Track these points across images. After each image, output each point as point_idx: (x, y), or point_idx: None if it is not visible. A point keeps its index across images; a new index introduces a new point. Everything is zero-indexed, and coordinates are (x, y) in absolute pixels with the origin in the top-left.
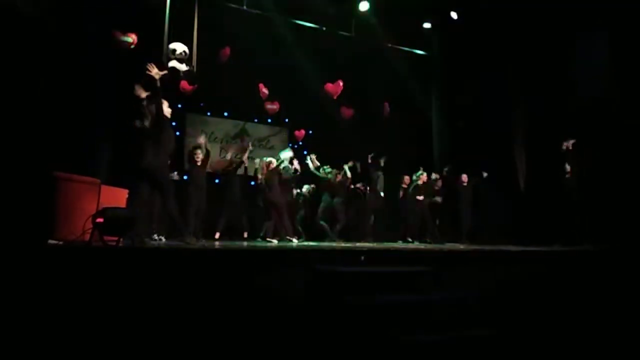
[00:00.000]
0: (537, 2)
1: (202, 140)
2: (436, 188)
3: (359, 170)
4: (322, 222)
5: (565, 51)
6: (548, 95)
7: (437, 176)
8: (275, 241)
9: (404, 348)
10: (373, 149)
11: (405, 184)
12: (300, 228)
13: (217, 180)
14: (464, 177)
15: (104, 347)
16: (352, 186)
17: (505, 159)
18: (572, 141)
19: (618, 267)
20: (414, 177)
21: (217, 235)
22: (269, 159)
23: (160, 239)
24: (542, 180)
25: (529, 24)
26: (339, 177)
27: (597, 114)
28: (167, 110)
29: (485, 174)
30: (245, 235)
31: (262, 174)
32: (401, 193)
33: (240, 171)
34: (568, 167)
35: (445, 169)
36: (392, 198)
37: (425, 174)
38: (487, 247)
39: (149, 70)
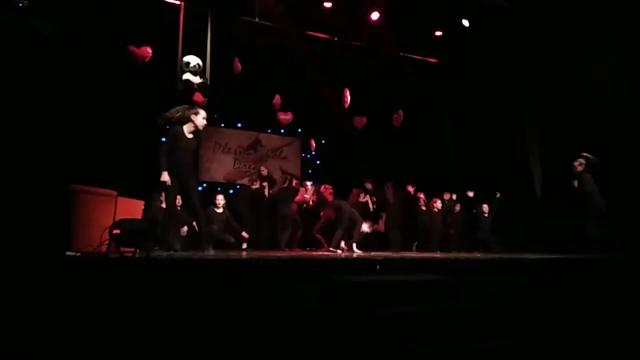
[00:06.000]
0: (549, 9)
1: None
2: (454, 212)
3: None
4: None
5: (579, 58)
6: (561, 102)
7: (454, 198)
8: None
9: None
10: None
11: (436, 208)
12: None
13: (231, 191)
14: (485, 208)
15: (121, 358)
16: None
17: (521, 167)
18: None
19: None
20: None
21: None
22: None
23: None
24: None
25: (541, 31)
26: None
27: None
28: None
29: (498, 194)
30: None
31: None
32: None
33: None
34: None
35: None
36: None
37: (439, 201)
38: (505, 256)
39: None
